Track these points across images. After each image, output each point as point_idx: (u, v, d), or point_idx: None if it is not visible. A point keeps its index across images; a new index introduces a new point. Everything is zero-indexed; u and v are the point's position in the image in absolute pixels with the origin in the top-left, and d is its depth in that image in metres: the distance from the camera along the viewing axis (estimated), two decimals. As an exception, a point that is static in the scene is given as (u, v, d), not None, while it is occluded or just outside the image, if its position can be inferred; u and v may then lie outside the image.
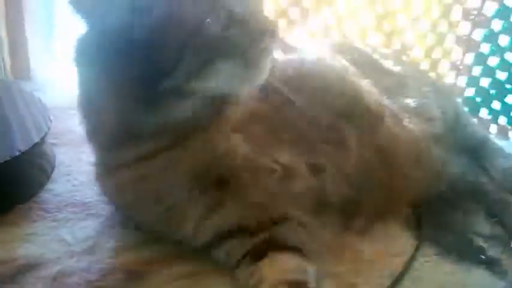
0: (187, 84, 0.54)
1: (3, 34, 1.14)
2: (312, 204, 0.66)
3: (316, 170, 0.66)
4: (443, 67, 1.13)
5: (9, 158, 0.71)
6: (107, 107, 0.58)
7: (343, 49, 0.89)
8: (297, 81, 0.70)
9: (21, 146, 0.74)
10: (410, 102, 0.83)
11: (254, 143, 0.62)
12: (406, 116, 0.79)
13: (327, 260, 0.67)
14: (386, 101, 0.78)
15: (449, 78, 1.14)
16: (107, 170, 0.65)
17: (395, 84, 0.84)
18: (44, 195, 0.78)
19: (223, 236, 0.62)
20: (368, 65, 0.86)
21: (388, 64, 0.91)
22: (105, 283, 0.61)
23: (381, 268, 0.67)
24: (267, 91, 0.62)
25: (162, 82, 0.53)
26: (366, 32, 1.14)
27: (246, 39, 0.55)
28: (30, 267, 0.63)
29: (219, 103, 0.59)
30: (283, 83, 0.66)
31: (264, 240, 0.61)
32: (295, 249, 0.61)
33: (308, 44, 0.88)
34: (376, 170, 0.72)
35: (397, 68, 0.90)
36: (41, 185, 0.78)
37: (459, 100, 1.07)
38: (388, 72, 0.87)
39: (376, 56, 0.92)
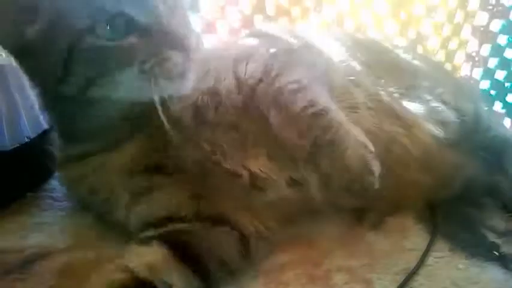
0: (85, 92, 0.54)
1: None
2: (288, 213, 0.67)
3: (295, 183, 0.66)
4: (459, 58, 1.11)
5: (18, 145, 0.69)
6: None
7: (357, 45, 0.86)
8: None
9: (30, 132, 0.73)
10: (422, 105, 0.80)
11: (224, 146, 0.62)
12: (417, 120, 0.76)
13: (339, 254, 0.67)
14: (396, 105, 0.76)
15: (464, 70, 1.11)
16: (60, 163, 0.69)
17: (408, 85, 0.81)
18: (54, 183, 0.77)
19: (151, 226, 0.61)
20: (382, 63, 0.83)
21: (405, 60, 0.88)
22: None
23: (395, 263, 0.66)
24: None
25: (57, 90, 0.54)
26: (381, 20, 1.11)
27: (145, 49, 0.53)
28: (38, 256, 0.63)
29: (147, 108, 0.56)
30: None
31: (174, 230, 0.59)
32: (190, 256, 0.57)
33: (321, 39, 0.84)
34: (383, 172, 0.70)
35: (412, 66, 0.87)
36: (50, 173, 0.78)
37: (481, 101, 0.99)
38: (402, 71, 0.84)
39: (392, 53, 0.89)
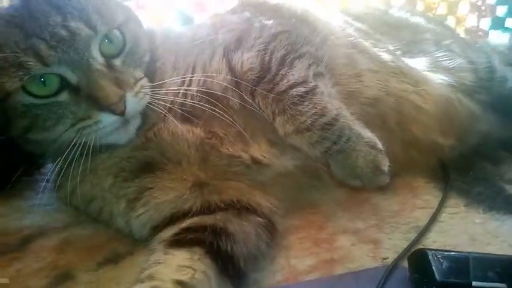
0: (25, 136, 0.56)
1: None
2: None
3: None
4: (463, 9, 1.04)
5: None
6: None
7: (350, 12, 0.82)
8: None
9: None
10: (427, 58, 0.76)
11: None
12: (423, 74, 0.72)
13: (344, 217, 0.64)
14: (401, 63, 0.72)
15: (470, 21, 1.04)
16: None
17: (409, 41, 0.77)
18: (49, 166, 0.76)
19: (157, 229, 0.57)
20: (379, 25, 0.79)
21: (401, 18, 0.84)
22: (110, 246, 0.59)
23: (405, 221, 0.63)
24: None
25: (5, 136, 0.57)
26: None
27: (75, 110, 0.53)
28: (35, 236, 0.62)
29: None
30: None
31: (193, 224, 0.55)
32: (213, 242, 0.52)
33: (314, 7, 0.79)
34: (393, 129, 0.67)
35: (410, 22, 0.83)
36: (45, 157, 0.76)
37: (494, 53, 0.92)
38: (401, 29, 0.80)
39: (387, 13, 0.86)
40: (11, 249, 0.60)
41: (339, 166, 0.61)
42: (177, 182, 0.58)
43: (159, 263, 0.48)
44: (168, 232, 0.54)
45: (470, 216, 0.65)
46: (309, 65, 0.62)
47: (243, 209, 0.57)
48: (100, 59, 0.54)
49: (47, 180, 0.73)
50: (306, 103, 0.58)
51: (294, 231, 0.61)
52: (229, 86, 0.61)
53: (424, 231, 0.61)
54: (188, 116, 0.60)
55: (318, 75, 0.62)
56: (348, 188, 0.67)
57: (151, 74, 0.61)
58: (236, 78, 0.61)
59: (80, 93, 0.53)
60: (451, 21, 1.04)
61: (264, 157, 0.61)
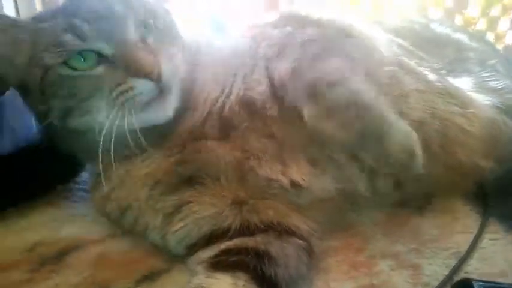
0: (65, 122, 0.56)
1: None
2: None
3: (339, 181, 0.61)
4: (503, 25, 1.02)
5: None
6: None
7: (393, 27, 0.80)
8: None
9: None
10: (471, 78, 0.73)
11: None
12: (470, 96, 0.69)
13: (383, 240, 0.63)
14: (447, 83, 0.69)
15: (509, 38, 1.02)
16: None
17: (453, 59, 0.75)
18: (84, 175, 0.77)
19: (195, 247, 0.56)
20: (422, 42, 0.76)
21: (444, 34, 0.82)
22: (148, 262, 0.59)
23: (445, 247, 0.61)
24: None
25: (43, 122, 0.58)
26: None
27: (112, 78, 0.54)
28: (71, 248, 0.62)
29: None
30: None
31: (233, 246, 0.54)
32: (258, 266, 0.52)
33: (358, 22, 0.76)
34: (436, 152, 0.65)
35: (453, 39, 0.81)
36: (81, 165, 0.76)
37: None
38: (444, 46, 0.78)
39: (429, 29, 0.83)
40: (48, 261, 0.60)
41: (371, 155, 0.57)
42: (216, 198, 0.57)
43: (202, 287, 0.48)
44: (207, 253, 0.54)
45: (510, 243, 0.63)
46: (344, 62, 0.60)
47: (283, 231, 0.56)
48: (135, 35, 0.56)
49: (83, 190, 0.74)
50: (338, 88, 0.56)
51: (332, 254, 0.60)
52: (269, 96, 0.60)
53: (464, 258, 0.59)
54: (225, 127, 0.59)
55: (354, 72, 0.60)
56: (386, 210, 0.66)
57: (191, 83, 0.61)
58: (275, 87, 0.60)
59: (116, 65, 0.54)
60: (490, 38, 1.01)
61: (304, 180, 0.59)
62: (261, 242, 0.53)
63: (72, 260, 0.60)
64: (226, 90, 0.61)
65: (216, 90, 0.61)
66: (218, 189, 0.58)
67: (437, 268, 0.58)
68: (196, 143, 0.59)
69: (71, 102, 0.55)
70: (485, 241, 0.63)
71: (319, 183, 0.60)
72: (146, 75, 0.53)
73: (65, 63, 0.53)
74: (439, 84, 0.68)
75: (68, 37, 0.53)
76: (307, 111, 0.57)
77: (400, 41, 0.75)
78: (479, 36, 0.95)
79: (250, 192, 0.58)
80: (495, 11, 1.02)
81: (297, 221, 0.58)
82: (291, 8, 0.75)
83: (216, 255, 0.53)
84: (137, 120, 0.54)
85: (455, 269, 0.57)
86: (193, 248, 0.56)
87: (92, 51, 0.54)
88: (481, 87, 0.71)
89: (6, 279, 0.57)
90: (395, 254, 0.60)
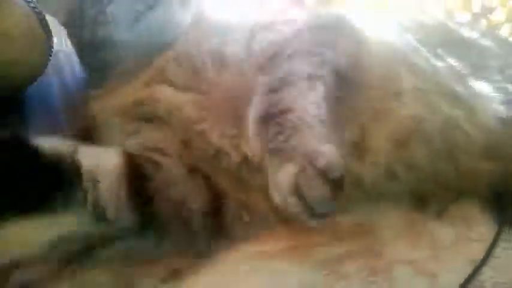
0: (94, 33, 0.62)
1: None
2: None
3: None
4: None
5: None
6: None
7: (416, 24, 0.79)
8: None
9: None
10: (489, 86, 0.73)
11: None
12: (480, 101, 0.70)
13: (401, 245, 0.64)
14: (458, 86, 0.69)
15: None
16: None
17: (474, 64, 0.74)
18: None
19: None
20: (444, 43, 0.76)
21: (470, 39, 0.81)
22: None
23: (462, 255, 0.63)
24: None
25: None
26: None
27: None
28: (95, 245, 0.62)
29: None
30: None
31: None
32: None
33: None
34: (439, 150, 0.66)
35: (479, 45, 0.80)
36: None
37: None
38: (468, 50, 0.78)
39: (456, 32, 0.83)
40: (74, 259, 0.60)
41: (269, 171, 0.53)
42: (168, 133, 0.60)
43: None
44: None
45: (525, 252, 0.65)
46: (310, 64, 0.58)
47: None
48: None
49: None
50: (271, 94, 0.56)
51: (352, 258, 0.61)
52: (243, 57, 0.61)
53: (479, 267, 0.61)
54: (191, 77, 0.61)
55: (311, 78, 0.57)
56: (405, 212, 0.68)
57: None
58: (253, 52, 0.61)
59: None
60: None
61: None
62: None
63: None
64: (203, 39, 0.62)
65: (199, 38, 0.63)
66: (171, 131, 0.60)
67: (452, 276, 0.59)
68: (157, 85, 0.61)
69: (99, 6, 0.60)
70: (499, 250, 0.64)
71: None
72: None
73: None
74: (447, 86, 0.68)
75: None
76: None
77: (422, 35, 0.74)
78: (510, 44, 0.94)
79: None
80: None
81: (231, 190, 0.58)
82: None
83: None
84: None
85: (470, 278, 0.59)
86: None
87: None
88: (495, 97, 0.71)
89: (29, 276, 0.57)
90: (412, 260, 0.61)
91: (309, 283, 0.57)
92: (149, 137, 0.61)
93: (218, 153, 0.59)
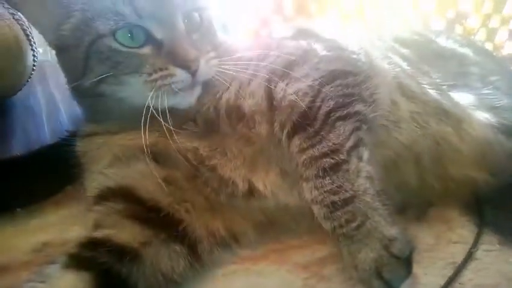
0: (97, 87, 0.61)
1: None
2: None
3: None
4: (501, 36, 1.04)
5: (58, 139, 0.70)
6: None
7: (397, 39, 0.81)
8: None
9: (69, 126, 0.73)
10: (471, 94, 0.75)
11: None
12: (467, 113, 0.71)
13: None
14: (444, 100, 0.71)
15: (507, 48, 1.04)
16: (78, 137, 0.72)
17: (455, 73, 0.77)
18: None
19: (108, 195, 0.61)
20: (425, 55, 0.79)
21: (448, 48, 0.83)
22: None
23: (441, 257, 0.63)
24: None
25: (78, 82, 0.62)
26: (419, 1, 1.05)
27: (155, 61, 0.59)
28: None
29: None
30: None
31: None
32: None
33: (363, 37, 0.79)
34: (426, 166, 0.68)
35: (458, 53, 0.83)
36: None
37: None
38: (447, 60, 0.80)
39: (434, 42, 0.85)
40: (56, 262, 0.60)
41: (345, 251, 0.58)
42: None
43: None
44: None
45: (504, 255, 0.64)
46: (352, 130, 0.61)
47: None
48: (182, 25, 0.61)
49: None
50: (327, 178, 0.57)
51: (332, 260, 0.62)
52: (261, 110, 0.62)
53: (459, 269, 0.61)
54: (207, 128, 0.63)
55: (356, 144, 0.60)
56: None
57: None
58: (272, 106, 0.62)
59: (162, 49, 0.60)
60: (488, 48, 1.03)
61: (266, 188, 0.62)
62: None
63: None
64: (218, 95, 0.64)
65: (212, 93, 0.65)
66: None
67: (432, 279, 0.59)
68: (172, 136, 0.62)
69: (112, 71, 0.59)
70: (480, 252, 0.65)
71: (282, 195, 0.63)
72: (187, 63, 0.59)
73: (114, 34, 0.58)
74: (436, 103, 0.70)
75: (128, 9, 0.58)
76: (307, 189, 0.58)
77: (405, 51, 0.76)
78: (486, 52, 0.97)
79: (196, 191, 0.62)
80: (494, 22, 1.04)
81: (204, 223, 0.61)
82: (303, 22, 0.77)
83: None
84: (166, 102, 0.59)
85: (451, 280, 0.60)
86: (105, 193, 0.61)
87: (144, 29, 0.59)
88: (480, 104, 0.73)
89: (15, 280, 0.58)
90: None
91: (289, 284, 0.58)
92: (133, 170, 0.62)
93: (226, 183, 0.62)
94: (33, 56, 0.80)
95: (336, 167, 0.57)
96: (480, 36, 1.05)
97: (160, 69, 0.59)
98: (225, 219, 0.63)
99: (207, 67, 0.62)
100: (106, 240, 0.55)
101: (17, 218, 0.70)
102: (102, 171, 0.63)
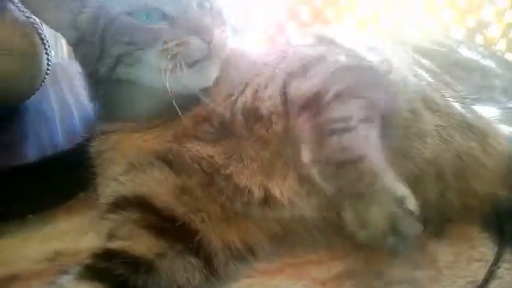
0: (114, 70, 0.62)
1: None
2: None
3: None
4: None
5: (72, 146, 0.69)
6: None
7: (420, 50, 0.80)
8: None
9: (83, 132, 0.73)
10: (496, 108, 0.73)
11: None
12: (492, 127, 0.69)
13: (400, 264, 0.63)
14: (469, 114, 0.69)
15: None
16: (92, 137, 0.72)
17: (480, 86, 0.75)
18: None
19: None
20: (449, 67, 0.77)
21: (472, 59, 0.82)
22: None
23: (462, 275, 0.62)
24: None
25: (95, 70, 0.63)
26: (437, 8, 1.03)
27: (169, 33, 0.60)
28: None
29: None
30: None
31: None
32: None
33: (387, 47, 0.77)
34: (448, 180, 0.66)
35: (481, 65, 0.81)
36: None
37: None
38: (471, 72, 0.78)
39: (457, 53, 0.83)
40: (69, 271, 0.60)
41: (350, 212, 0.54)
42: (170, 177, 0.61)
43: None
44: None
45: (527, 273, 0.63)
46: (362, 107, 0.60)
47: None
48: (196, 7, 0.63)
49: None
50: (335, 137, 0.56)
51: (349, 276, 0.60)
52: (278, 111, 0.61)
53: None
54: (220, 133, 0.63)
55: (367, 120, 0.59)
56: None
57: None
58: (287, 102, 0.61)
59: (176, 23, 0.61)
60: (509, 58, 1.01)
61: (283, 195, 0.60)
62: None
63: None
64: (233, 98, 0.63)
65: (226, 94, 0.64)
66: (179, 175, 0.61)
67: (454, 297, 0.58)
68: (187, 141, 0.62)
69: (128, 48, 0.61)
70: (501, 270, 0.63)
71: (299, 203, 0.61)
72: (201, 34, 0.60)
73: (130, 14, 0.60)
74: (460, 117, 0.68)
75: None
76: (301, 150, 0.58)
77: (427, 63, 0.75)
78: (506, 63, 0.94)
79: (211, 200, 0.61)
80: (515, 32, 1.02)
81: (220, 234, 0.60)
82: (321, 29, 0.76)
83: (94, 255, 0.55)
84: (183, 78, 0.60)
85: (472, 299, 0.58)
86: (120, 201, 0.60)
87: (159, 10, 0.61)
88: (504, 119, 0.71)
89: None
90: (413, 280, 0.60)
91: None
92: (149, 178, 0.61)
93: (242, 191, 0.60)
94: (47, 59, 0.80)
95: (346, 130, 0.56)
96: (500, 46, 1.03)
97: (176, 39, 0.60)
98: (240, 231, 0.61)
99: (221, 37, 0.64)
100: (121, 252, 0.54)
101: (28, 224, 0.70)
102: (117, 177, 0.62)
